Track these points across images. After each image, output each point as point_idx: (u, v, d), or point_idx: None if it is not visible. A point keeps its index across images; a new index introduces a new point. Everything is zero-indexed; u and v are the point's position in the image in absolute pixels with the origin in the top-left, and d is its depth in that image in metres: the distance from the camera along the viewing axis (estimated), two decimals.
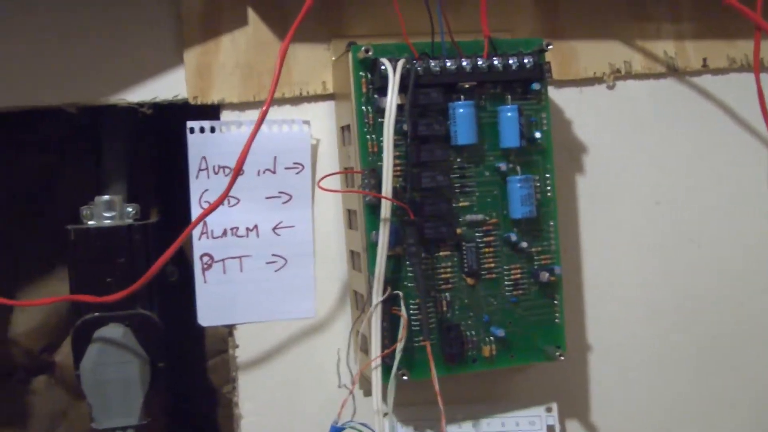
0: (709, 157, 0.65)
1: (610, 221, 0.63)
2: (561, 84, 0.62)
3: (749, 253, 0.66)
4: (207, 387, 0.69)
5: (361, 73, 0.53)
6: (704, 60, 0.64)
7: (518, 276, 0.55)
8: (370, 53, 0.52)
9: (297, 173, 0.58)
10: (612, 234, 0.63)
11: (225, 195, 0.49)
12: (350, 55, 0.53)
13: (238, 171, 0.49)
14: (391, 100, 0.51)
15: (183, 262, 0.63)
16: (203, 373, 0.70)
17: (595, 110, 0.63)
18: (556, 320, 0.56)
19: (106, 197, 0.60)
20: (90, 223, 0.59)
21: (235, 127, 0.58)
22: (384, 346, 0.52)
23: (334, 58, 0.58)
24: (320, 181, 0.57)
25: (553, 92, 0.62)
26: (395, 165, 0.52)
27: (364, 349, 0.54)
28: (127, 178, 0.63)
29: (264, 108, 0.48)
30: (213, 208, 0.50)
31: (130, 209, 0.60)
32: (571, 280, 0.62)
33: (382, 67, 0.51)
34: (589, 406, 0.64)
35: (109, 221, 0.59)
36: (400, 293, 0.52)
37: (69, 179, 0.66)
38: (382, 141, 0.51)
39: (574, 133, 0.63)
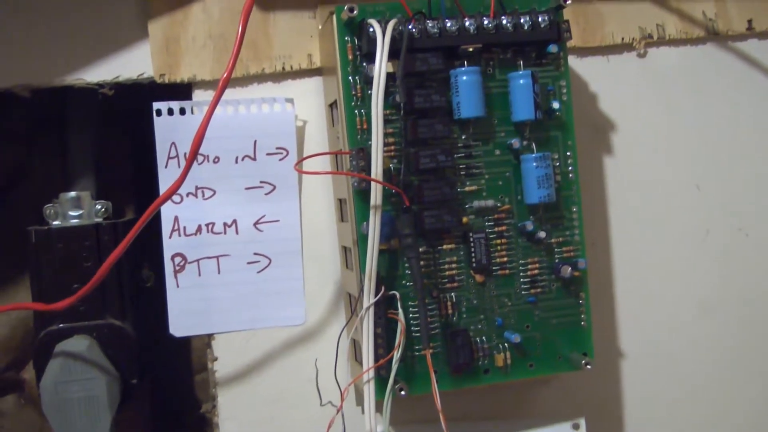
0: (755, 133, 0.62)
1: (643, 208, 0.61)
2: (584, 52, 0.59)
3: None
4: (194, 405, 0.64)
5: (346, 37, 0.49)
6: (749, 22, 0.61)
7: (536, 271, 0.52)
8: (355, 13, 0.49)
9: (280, 159, 0.54)
10: (645, 222, 0.61)
11: (179, 184, 0.44)
12: (334, 17, 0.49)
13: (193, 155, 0.43)
14: (380, 66, 0.47)
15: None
16: (190, 390, 0.65)
17: (624, 81, 0.60)
18: (582, 323, 0.53)
19: (72, 194, 0.56)
20: (54, 223, 0.56)
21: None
22: (378, 356, 0.48)
23: (320, 27, 0.54)
24: (298, 163, 0.53)
25: (575, 62, 0.59)
26: (389, 143, 0.49)
27: (359, 359, 0.51)
28: (97, 171, 0.59)
29: (225, 75, 0.42)
30: (162, 200, 0.45)
31: (99, 206, 0.57)
32: (598, 276, 0.59)
33: (370, 30, 0.48)
34: (622, 421, 0.61)
35: (75, 221, 0.56)
36: (397, 294, 0.49)
37: (37, 174, 0.62)
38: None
39: (600, 108, 0.60)
